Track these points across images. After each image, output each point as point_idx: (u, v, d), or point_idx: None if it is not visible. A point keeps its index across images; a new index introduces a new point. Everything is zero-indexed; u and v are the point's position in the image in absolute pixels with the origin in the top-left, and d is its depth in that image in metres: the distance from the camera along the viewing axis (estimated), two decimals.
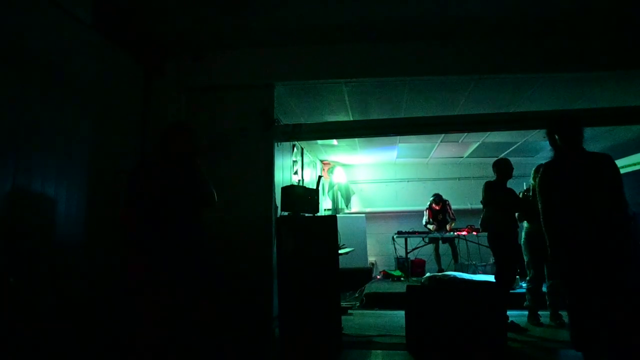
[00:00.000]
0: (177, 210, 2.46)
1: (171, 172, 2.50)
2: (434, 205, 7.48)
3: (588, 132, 2.82)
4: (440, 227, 7.37)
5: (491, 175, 4.39)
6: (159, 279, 2.33)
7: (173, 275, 2.37)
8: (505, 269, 4.08)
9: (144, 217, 2.38)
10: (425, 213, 7.57)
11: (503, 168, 4.25)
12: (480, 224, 4.40)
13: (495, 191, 4.22)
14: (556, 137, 2.79)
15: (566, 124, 2.79)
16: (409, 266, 7.13)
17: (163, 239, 2.40)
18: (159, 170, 2.50)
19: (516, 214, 4.39)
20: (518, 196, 4.44)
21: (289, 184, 5.23)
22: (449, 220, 7.41)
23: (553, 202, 2.71)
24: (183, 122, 2.67)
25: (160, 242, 2.39)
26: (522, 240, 4.45)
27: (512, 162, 4.33)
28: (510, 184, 4.31)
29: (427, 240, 7.36)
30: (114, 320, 2.94)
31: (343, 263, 4.12)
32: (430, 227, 7.41)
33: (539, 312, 4.33)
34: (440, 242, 7.40)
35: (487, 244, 4.41)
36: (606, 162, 2.67)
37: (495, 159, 4.47)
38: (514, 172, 4.33)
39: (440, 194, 7.55)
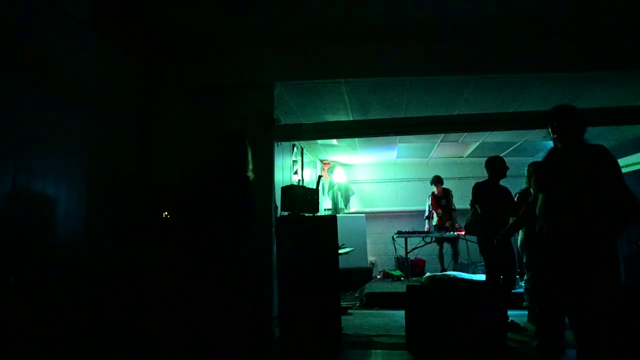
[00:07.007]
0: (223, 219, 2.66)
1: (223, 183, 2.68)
2: (434, 191, 7.34)
3: (587, 132, 2.76)
4: (447, 214, 7.20)
5: None
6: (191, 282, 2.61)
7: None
8: (494, 274, 3.96)
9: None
10: (429, 200, 7.40)
11: (492, 167, 4.05)
12: (465, 226, 4.32)
13: (481, 193, 4.03)
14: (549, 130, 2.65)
15: (557, 117, 2.63)
16: (409, 266, 7.12)
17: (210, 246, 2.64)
18: (213, 180, 2.69)
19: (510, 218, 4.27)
20: (511, 199, 4.19)
21: (289, 183, 5.23)
22: (451, 208, 7.25)
23: (544, 198, 2.61)
24: (235, 132, 2.86)
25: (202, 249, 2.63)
26: (520, 240, 4.42)
27: (512, 162, 4.25)
28: (510, 184, 4.22)
29: (428, 240, 7.32)
30: (114, 319, 2.94)
31: (343, 263, 4.12)
32: (434, 220, 7.24)
33: None
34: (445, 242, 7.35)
35: None
36: (600, 153, 2.50)
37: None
38: (514, 172, 4.26)
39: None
